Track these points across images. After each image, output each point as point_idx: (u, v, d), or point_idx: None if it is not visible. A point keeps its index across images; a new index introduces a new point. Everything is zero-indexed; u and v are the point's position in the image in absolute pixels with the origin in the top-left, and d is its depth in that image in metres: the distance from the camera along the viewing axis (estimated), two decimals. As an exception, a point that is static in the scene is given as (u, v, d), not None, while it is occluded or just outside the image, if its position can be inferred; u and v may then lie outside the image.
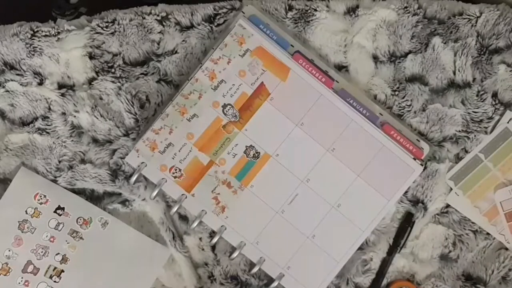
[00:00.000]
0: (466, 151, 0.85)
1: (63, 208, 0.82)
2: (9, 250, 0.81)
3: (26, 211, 0.81)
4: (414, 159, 0.82)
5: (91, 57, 0.83)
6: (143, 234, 0.83)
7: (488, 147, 0.84)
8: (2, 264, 0.81)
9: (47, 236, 0.82)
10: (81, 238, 0.82)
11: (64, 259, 0.82)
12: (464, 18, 0.84)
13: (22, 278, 0.81)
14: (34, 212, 0.81)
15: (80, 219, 0.82)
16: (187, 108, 0.81)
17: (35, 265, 0.81)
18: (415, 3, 0.84)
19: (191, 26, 0.84)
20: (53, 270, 0.82)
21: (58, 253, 0.82)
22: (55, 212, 0.82)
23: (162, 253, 0.83)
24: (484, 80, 0.84)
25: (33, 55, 0.82)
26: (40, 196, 0.82)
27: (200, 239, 0.84)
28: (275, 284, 0.83)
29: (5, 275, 0.81)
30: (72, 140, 0.83)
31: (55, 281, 0.81)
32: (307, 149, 0.82)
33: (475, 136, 0.85)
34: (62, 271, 0.82)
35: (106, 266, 0.83)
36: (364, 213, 0.83)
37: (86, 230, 0.82)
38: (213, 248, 0.85)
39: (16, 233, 0.81)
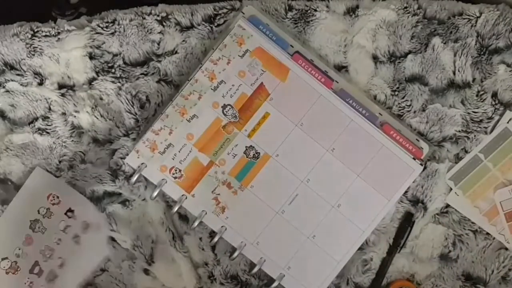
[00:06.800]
0: (466, 151, 0.85)
1: (73, 211, 0.82)
2: (19, 249, 0.81)
3: (38, 211, 0.81)
4: (414, 159, 0.82)
5: (91, 57, 0.83)
6: (143, 234, 0.83)
7: (488, 147, 0.84)
8: (12, 263, 0.81)
9: (55, 238, 0.82)
10: (77, 243, 0.82)
11: (61, 265, 0.82)
12: (464, 18, 0.84)
13: (28, 278, 0.81)
14: (46, 212, 0.82)
15: (84, 224, 0.82)
16: (187, 109, 0.81)
17: (41, 266, 0.81)
18: (415, 3, 0.84)
19: (191, 26, 0.84)
20: (52, 274, 0.82)
21: (60, 257, 0.82)
22: (65, 214, 0.82)
23: None
24: (484, 80, 0.84)
25: (33, 55, 0.82)
26: (53, 197, 0.82)
27: (200, 239, 0.85)
28: (275, 284, 0.83)
29: (13, 273, 0.81)
30: (72, 140, 0.83)
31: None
32: (307, 149, 0.82)
33: (475, 136, 0.85)
34: (56, 276, 0.82)
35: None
36: (364, 213, 0.83)
37: (84, 235, 0.82)
38: (213, 248, 0.85)
39: (27, 232, 0.81)
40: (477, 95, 0.84)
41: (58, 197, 0.82)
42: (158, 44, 0.84)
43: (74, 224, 0.82)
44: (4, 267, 0.81)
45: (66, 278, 0.82)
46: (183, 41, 0.84)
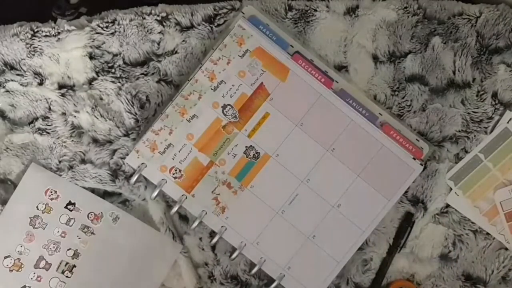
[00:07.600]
0: (466, 151, 0.85)
1: (73, 204, 0.82)
2: (21, 246, 0.82)
3: (37, 207, 0.82)
4: (414, 158, 0.83)
5: (91, 57, 0.83)
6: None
7: (488, 147, 0.84)
8: (15, 260, 0.81)
9: (58, 231, 0.82)
10: (92, 233, 0.82)
11: (75, 254, 0.82)
12: (464, 18, 0.84)
13: (34, 273, 0.82)
14: (45, 207, 0.82)
15: (91, 214, 0.82)
16: (187, 109, 0.81)
17: (47, 260, 0.82)
18: (415, 3, 0.84)
19: (191, 26, 0.84)
20: (65, 265, 0.82)
21: (70, 249, 0.82)
22: (66, 207, 0.82)
23: (174, 248, 0.83)
24: (484, 80, 0.84)
25: (33, 55, 0.82)
26: (51, 192, 0.82)
27: (200, 239, 0.85)
28: (275, 284, 0.83)
29: (17, 270, 0.81)
30: (72, 140, 0.83)
31: (67, 276, 0.82)
32: (307, 149, 0.83)
33: (475, 136, 0.85)
34: (74, 266, 0.82)
35: (118, 261, 0.83)
36: (364, 213, 0.83)
37: (97, 225, 0.83)
38: (213, 248, 0.85)
39: (27, 229, 0.82)
40: (477, 95, 0.84)
41: (56, 191, 0.82)
42: (158, 44, 0.84)
43: (79, 216, 0.82)
44: (7, 265, 0.81)
45: (86, 267, 0.83)
46: (183, 41, 0.84)
